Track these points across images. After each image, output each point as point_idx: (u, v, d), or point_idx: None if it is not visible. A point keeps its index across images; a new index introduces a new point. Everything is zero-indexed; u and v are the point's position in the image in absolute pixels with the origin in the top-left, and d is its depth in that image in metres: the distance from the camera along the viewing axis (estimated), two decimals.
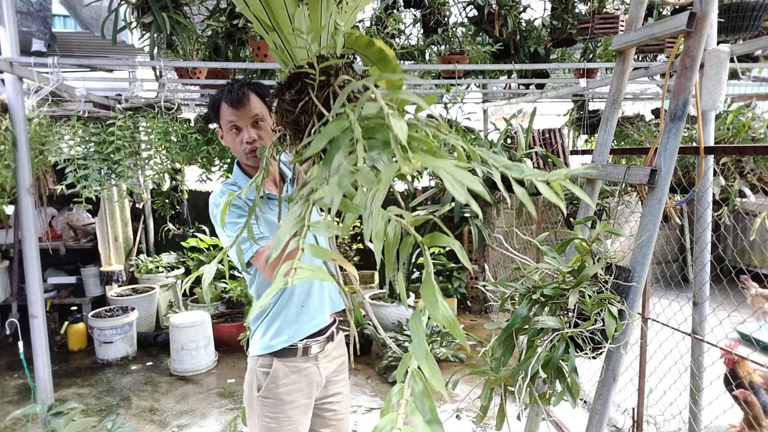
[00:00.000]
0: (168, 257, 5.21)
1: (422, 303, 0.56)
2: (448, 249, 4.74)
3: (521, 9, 3.42)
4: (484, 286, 1.58)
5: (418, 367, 0.54)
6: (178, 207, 4.65)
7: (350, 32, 0.74)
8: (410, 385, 0.54)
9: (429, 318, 0.56)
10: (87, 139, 3.05)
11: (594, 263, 1.38)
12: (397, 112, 0.58)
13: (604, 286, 1.36)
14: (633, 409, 2.40)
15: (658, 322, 2.24)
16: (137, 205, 5.13)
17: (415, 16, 3.47)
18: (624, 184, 1.69)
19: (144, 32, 2.42)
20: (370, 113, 0.61)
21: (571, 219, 2.78)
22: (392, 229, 0.59)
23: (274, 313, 1.61)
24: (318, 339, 1.66)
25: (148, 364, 4.08)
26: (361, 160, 0.56)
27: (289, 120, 0.78)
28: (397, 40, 3.38)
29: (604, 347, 1.31)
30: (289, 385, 1.62)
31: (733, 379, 2.55)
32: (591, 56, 3.69)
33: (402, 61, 3.46)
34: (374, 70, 0.74)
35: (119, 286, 4.68)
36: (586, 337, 1.30)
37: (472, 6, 3.37)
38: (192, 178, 4.17)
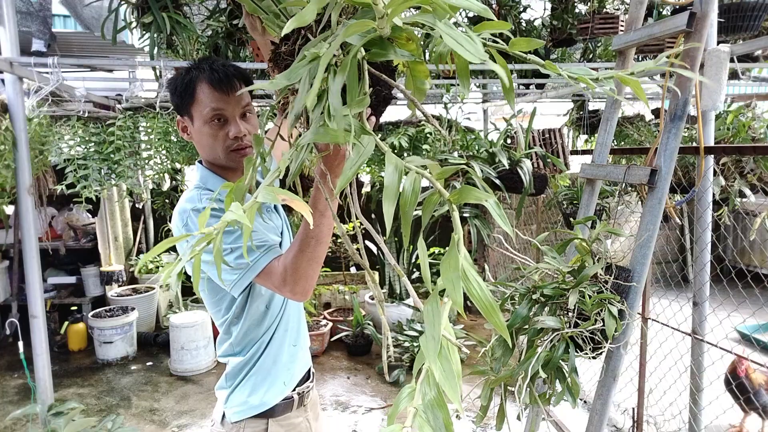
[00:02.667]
0: (168, 257, 5.22)
1: (441, 282, 0.48)
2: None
3: (521, 9, 3.42)
4: None
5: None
6: None
7: None
8: (422, 390, 0.46)
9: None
10: (87, 139, 3.05)
11: (594, 263, 1.38)
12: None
13: (604, 286, 1.36)
14: (633, 409, 2.40)
15: (658, 322, 2.24)
16: (137, 205, 5.13)
17: None
18: (624, 184, 1.68)
19: (144, 32, 2.42)
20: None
21: (571, 219, 2.78)
22: (410, 183, 0.51)
23: (267, 357, 1.28)
24: (308, 384, 1.39)
25: (148, 364, 4.08)
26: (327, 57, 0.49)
27: (283, 66, 0.72)
28: None
29: (604, 347, 1.31)
30: None
31: (734, 380, 2.55)
32: (591, 56, 3.69)
33: None
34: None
35: (119, 286, 4.68)
36: (586, 337, 1.30)
37: None
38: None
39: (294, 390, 1.33)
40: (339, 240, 4.49)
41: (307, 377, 1.40)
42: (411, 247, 4.87)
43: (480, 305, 0.46)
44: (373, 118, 0.79)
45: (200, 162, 1.28)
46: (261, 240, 1.09)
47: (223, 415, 1.30)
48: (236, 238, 1.09)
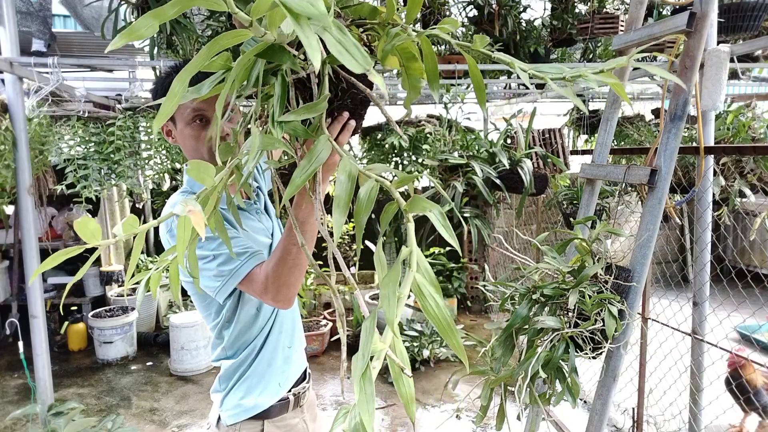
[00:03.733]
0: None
1: (380, 294, 0.45)
2: (448, 249, 4.74)
3: (521, 9, 3.42)
4: (484, 286, 1.58)
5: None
6: None
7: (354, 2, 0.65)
8: (352, 413, 0.42)
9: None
10: (87, 139, 3.05)
11: (594, 263, 1.38)
12: None
13: (604, 286, 1.36)
14: (633, 409, 2.40)
15: (658, 322, 2.24)
16: (137, 205, 5.13)
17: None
18: (624, 184, 1.69)
19: None
20: None
21: (571, 219, 2.78)
22: (366, 191, 0.50)
23: (261, 360, 1.27)
24: (304, 385, 1.38)
25: (148, 364, 4.08)
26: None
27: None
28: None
29: (604, 347, 1.31)
30: None
31: (734, 380, 2.55)
32: (591, 56, 3.69)
33: None
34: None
35: (119, 286, 4.68)
36: (586, 337, 1.30)
37: (472, 6, 3.37)
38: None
39: (289, 391, 1.32)
40: (340, 240, 4.48)
41: (303, 378, 1.39)
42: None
43: (436, 324, 0.45)
44: (352, 122, 0.75)
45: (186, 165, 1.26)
46: (243, 246, 1.08)
47: (219, 419, 1.29)
48: (218, 245, 1.08)
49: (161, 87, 1.17)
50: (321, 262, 4.65)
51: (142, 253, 5.21)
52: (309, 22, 0.40)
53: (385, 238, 4.96)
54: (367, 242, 4.46)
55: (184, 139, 1.18)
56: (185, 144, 1.19)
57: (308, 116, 0.55)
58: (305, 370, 1.42)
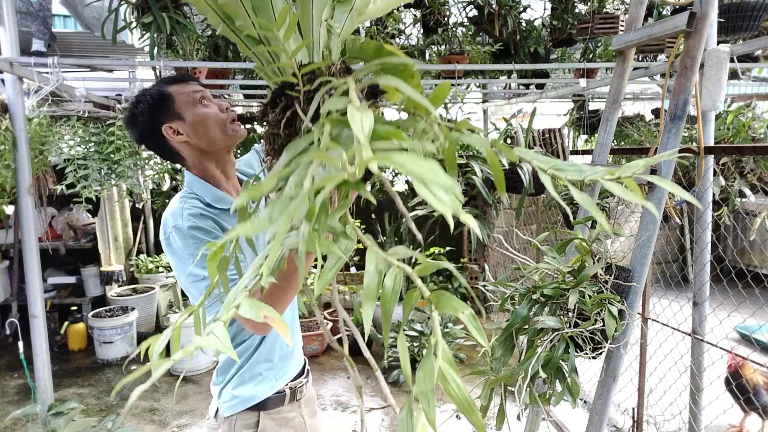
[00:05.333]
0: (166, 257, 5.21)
1: (416, 392, 0.45)
2: (447, 249, 4.74)
3: (521, 9, 3.42)
4: (484, 286, 1.58)
5: None
6: None
7: (354, 38, 0.66)
8: None
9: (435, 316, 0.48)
10: (87, 139, 3.05)
11: (594, 263, 1.38)
12: (363, 105, 0.45)
13: (604, 286, 1.36)
14: (633, 409, 2.40)
15: (658, 322, 2.24)
16: (137, 205, 5.13)
17: (415, 16, 3.47)
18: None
19: (144, 32, 2.42)
20: (339, 107, 0.48)
21: (571, 219, 2.78)
22: (391, 280, 0.48)
23: (259, 356, 1.30)
24: (301, 379, 1.40)
25: (149, 364, 4.08)
26: (309, 180, 0.43)
27: (277, 146, 0.65)
28: (396, 40, 3.38)
29: (604, 347, 1.31)
30: None
31: (734, 380, 2.55)
32: (591, 56, 3.69)
33: None
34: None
35: (119, 286, 4.68)
36: (586, 337, 1.30)
37: (472, 6, 3.37)
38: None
39: (287, 384, 1.34)
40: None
41: (301, 373, 1.41)
42: (411, 246, 4.87)
43: (457, 403, 0.45)
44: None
45: (190, 172, 1.31)
46: (231, 274, 1.08)
47: (217, 410, 1.32)
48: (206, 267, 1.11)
49: (152, 97, 1.23)
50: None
51: (142, 253, 5.22)
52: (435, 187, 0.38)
53: (385, 238, 4.95)
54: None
55: (197, 122, 1.22)
56: (199, 127, 1.22)
57: (340, 214, 0.54)
58: (304, 366, 1.44)
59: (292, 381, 1.36)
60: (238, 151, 3.63)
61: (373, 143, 0.42)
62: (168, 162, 3.30)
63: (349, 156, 0.41)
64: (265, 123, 0.67)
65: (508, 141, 2.55)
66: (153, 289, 4.70)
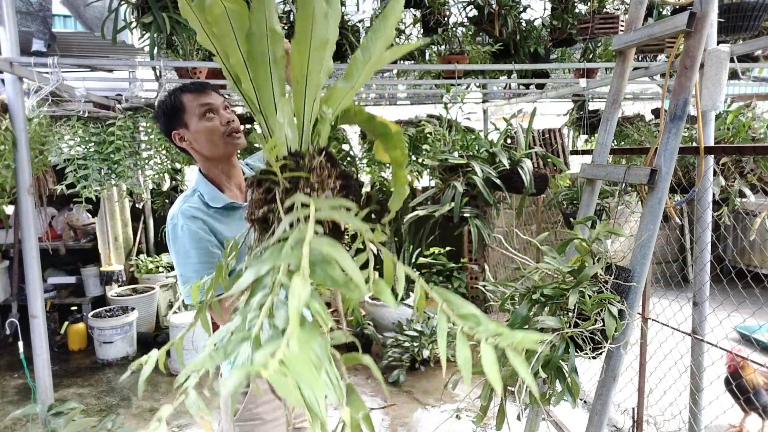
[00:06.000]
0: (168, 257, 5.21)
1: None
2: (448, 249, 4.74)
3: (521, 9, 3.42)
4: (484, 286, 1.58)
5: None
6: None
7: (348, 107, 0.70)
8: None
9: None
10: (87, 139, 3.05)
11: (594, 263, 1.38)
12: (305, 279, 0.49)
13: (604, 286, 1.36)
14: (633, 409, 2.40)
15: (658, 322, 2.24)
16: (137, 205, 5.13)
17: (415, 16, 3.47)
18: (624, 184, 1.69)
19: (144, 32, 2.42)
20: (293, 261, 0.50)
21: (571, 219, 2.78)
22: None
23: None
24: None
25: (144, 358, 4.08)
26: (258, 327, 0.47)
27: (257, 217, 0.70)
28: (396, 40, 3.38)
29: (604, 347, 1.31)
30: (269, 402, 1.46)
31: (734, 380, 2.55)
32: (591, 56, 3.69)
33: (402, 61, 3.46)
34: (379, 144, 0.70)
35: (119, 286, 4.68)
36: (586, 337, 1.30)
37: (472, 6, 3.37)
38: (192, 178, 4.17)
39: None
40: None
41: None
42: (411, 246, 4.88)
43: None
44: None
45: (199, 169, 1.46)
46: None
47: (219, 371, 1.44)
48: (185, 267, 1.30)
49: (168, 104, 1.40)
50: None
51: (142, 253, 5.22)
52: None
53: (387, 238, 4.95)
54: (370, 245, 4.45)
55: (200, 133, 1.38)
56: (201, 139, 1.38)
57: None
58: None
59: None
60: (240, 156, 3.62)
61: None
62: (168, 162, 3.30)
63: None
64: (250, 200, 0.71)
65: (509, 141, 2.55)
66: (153, 289, 4.70)
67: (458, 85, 3.01)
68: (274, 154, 0.64)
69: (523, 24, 3.44)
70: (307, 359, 0.42)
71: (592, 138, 4.50)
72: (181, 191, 4.53)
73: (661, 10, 3.24)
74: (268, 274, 0.51)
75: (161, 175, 3.36)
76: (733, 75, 2.62)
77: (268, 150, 0.64)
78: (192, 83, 1.42)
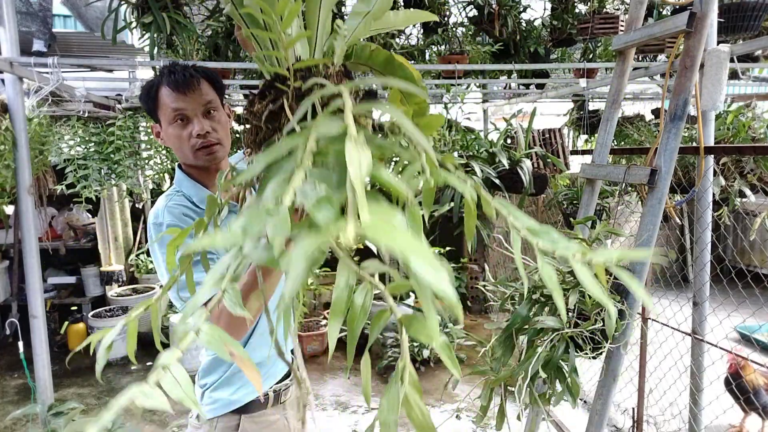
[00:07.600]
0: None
1: (379, 420, 0.41)
2: (447, 249, 4.74)
3: (521, 9, 3.42)
4: (484, 286, 1.58)
5: None
6: None
7: (365, 45, 0.62)
8: None
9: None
10: (87, 139, 3.05)
11: None
12: (365, 134, 0.37)
13: (604, 286, 1.36)
14: (633, 409, 2.40)
15: (658, 322, 2.24)
16: (137, 205, 5.13)
17: None
18: (624, 184, 1.69)
19: (144, 32, 2.42)
20: (331, 132, 0.38)
21: (571, 219, 2.78)
22: (361, 297, 0.44)
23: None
24: (286, 383, 1.37)
25: (148, 364, 4.08)
26: (290, 197, 0.34)
27: (258, 139, 0.62)
28: (396, 39, 3.38)
29: (604, 347, 1.31)
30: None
31: (734, 380, 2.55)
32: (591, 56, 3.69)
33: None
34: (394, 93, 0.63)
35: (119, 286, 4.68)
36: (586, 337, 1.30)
37: (472, 6, 3.37)
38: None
39: (271, 388, 1.33)
40: (336, 240, 4.48)
41: (286, 376, 1.38)
42: None
43: (418, 429, 0.42)
44: None
45: (179, 165, 1.29)
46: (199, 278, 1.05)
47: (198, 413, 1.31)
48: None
49: (147, 90, 1.21)
50: (328, 269, 4.66)
51: (142, 252, 5.22)
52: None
53: None
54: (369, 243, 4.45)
55: (169, 138, 1.21)
56: (171, 143, 1.22)
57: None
58: (289, 369, 1.41)
59: (276, 384, 1.34)
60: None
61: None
62: (168, 162, 3.30)
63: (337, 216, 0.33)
64: (250, 114, 0.63)
65: (509, 141, 2.55)
66: (153, 289, 4.70)
67: (458, 85, 3.01)
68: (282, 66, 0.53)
69: (523, 24, 3.44)
70: (390, 226, 0.31)
71: (592, 138, 4.50)
72: None
73: (661, 10, 3.24)
74: (291, 154, 0.38)
75: (161, 175, 3.36)
76: (733, 75, 2.62)
77: (275, 57, 0.55)
78: (177, 74, 1.18)
